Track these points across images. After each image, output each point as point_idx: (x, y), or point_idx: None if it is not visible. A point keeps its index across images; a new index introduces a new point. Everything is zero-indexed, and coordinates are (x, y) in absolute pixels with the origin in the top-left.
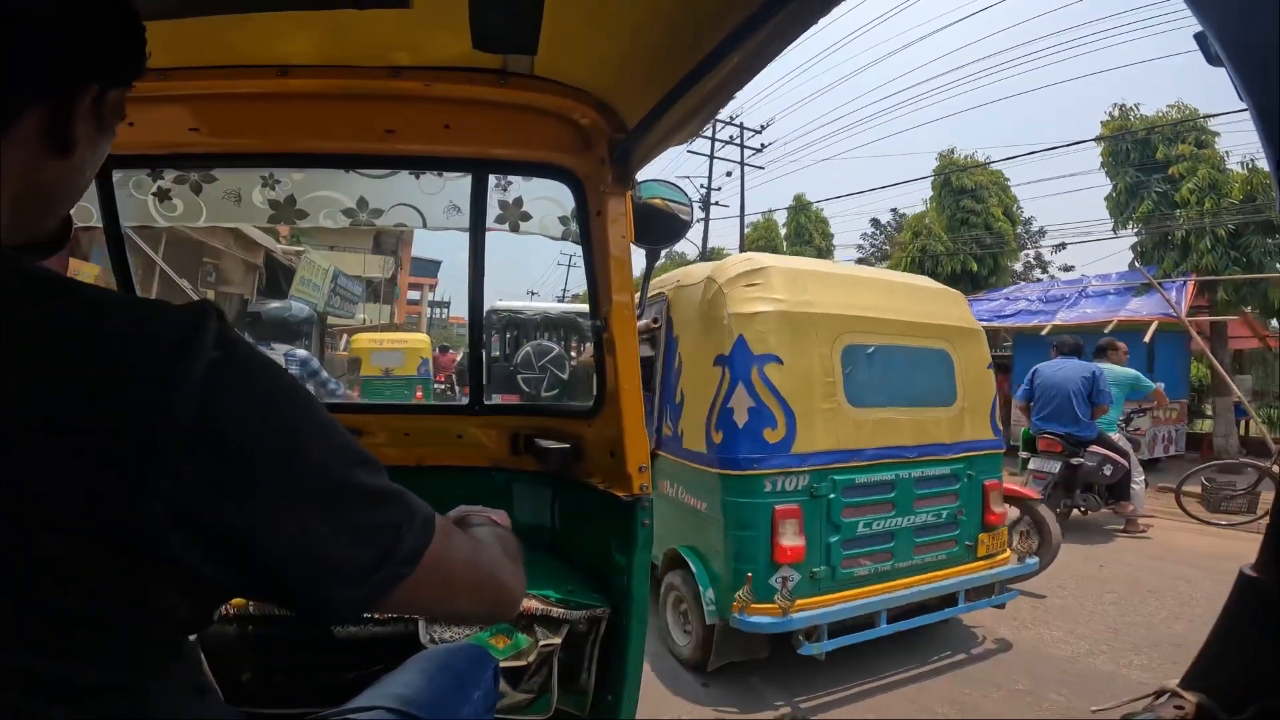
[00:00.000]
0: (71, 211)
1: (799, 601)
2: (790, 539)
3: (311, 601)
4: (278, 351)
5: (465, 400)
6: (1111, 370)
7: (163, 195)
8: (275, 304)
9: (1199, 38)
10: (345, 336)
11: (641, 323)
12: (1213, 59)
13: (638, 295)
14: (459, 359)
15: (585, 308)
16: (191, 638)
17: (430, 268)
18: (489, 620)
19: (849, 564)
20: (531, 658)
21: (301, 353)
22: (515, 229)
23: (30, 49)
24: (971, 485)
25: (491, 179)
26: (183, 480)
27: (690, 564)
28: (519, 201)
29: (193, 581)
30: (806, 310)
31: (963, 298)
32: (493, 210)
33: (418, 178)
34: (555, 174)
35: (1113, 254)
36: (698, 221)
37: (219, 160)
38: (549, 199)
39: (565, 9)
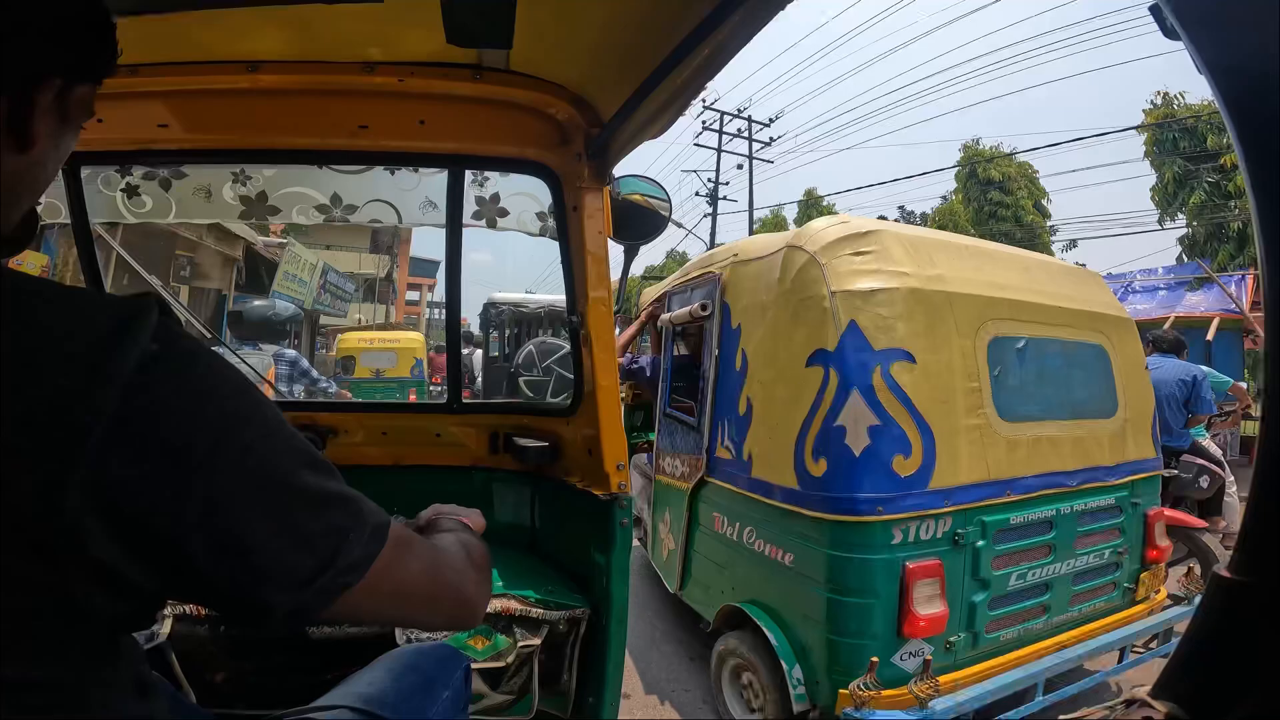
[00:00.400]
0: (38, 208)
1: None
2: (928, 605)
3: (245, 607)
4: (266, 351)
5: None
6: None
7: (131, 191)
8: (259, 302)
9: (1154, 10)
10: (339, 336)
11: (682, 310)
12: (1169, 32)
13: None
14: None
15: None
16: (152, 634)
17: (429, 268)
18: (449, 630)
19: (995, 626)
20: (511, 659)
21: (291, 352)
22: (492, 225)
23: None
24: (1135, 516)
25: (468, 175)
26: (105, 473)
27: (765, 630)
28: (496, 197)
29: (117, 579)
30: (941, 288)
31: (1102, 279)
32: (470, 206)
33: (393, 174)
34: (532, 169)
35: (1144, 248)
36: (705, 217)
37: (189, 156)
38: (526, 194)
39: (538, 3)
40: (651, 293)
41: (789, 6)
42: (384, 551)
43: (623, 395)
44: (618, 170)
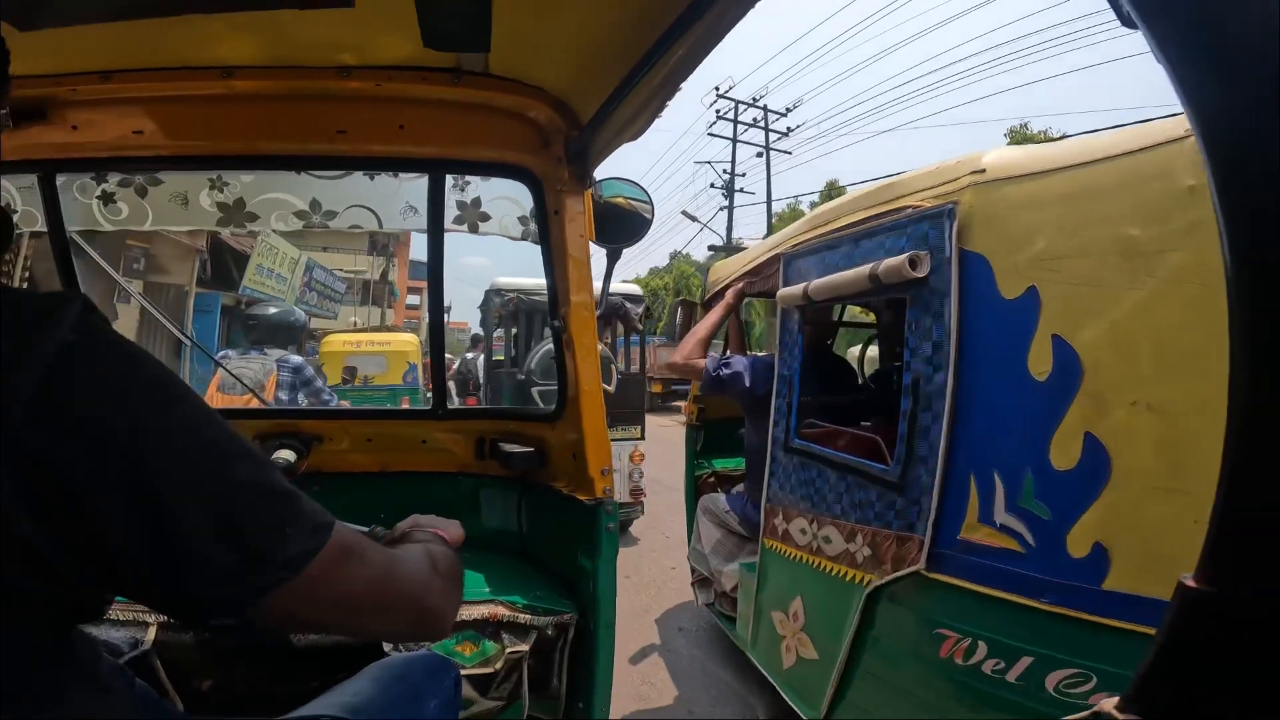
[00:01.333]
0: (14, 216)
1: None
2: None
3: (173, 599)
4: (270, 357)
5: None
6: None
7: (107, 199)
8: (275, 309)
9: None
10: (322, 339)
11: (850, 274)
12: (1126, 20)
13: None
14: (456, 366)
15: (626, 288)
16: (137, 641)
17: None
18: (411, 641)
19: None
20: (499, 665)
21: (295, 359)
22: (474, 229)
23: None
24: None
25: (449, 179)
26: (23, 454)
27: None
28: (477, 202)
29: (45, 563)
30: None
31: None
32: (451, 211)
33: (373, 179)
34: (513, 173)
35: None
36: (721, 209)
37: (165, 163)
38: (507, 199)
39: (514, 5)
40: (729, 266)
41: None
42: (323, 552)
43: (688, 413)
44: (599, 173)
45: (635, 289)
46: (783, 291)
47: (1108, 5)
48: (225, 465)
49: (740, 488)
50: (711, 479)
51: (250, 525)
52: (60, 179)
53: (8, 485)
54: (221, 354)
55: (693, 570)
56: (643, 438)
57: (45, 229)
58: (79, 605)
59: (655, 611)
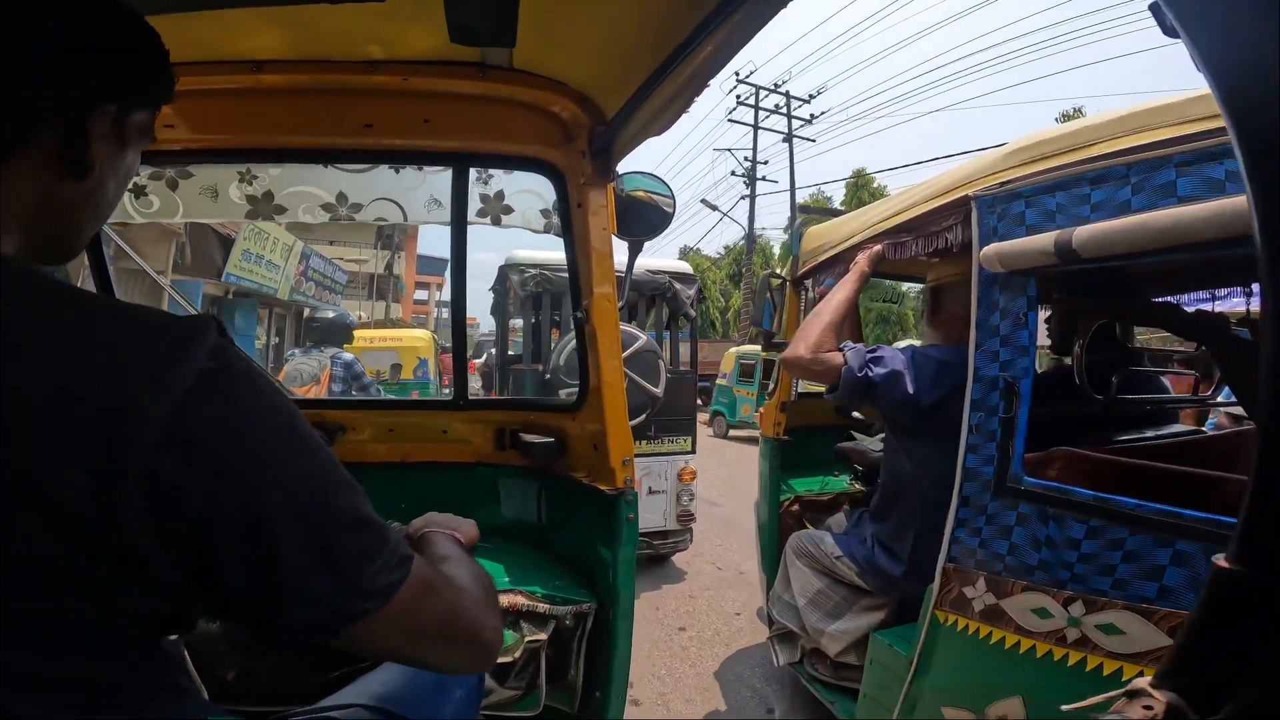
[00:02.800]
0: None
1: None
2: None
3: (265, 622)
4: (325, 354)
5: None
6: None
7: (139, 192)
8: (332, 314)
9: (1154, 8)
10: None
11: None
12: (1168, 30)
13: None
14: (483, 359)
15: (677, 265)
16: (174, 637)
17: (437, 265)
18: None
19: None
20: (518, 653)
21: (347, 355)
22: (497, 222)
23: (40, 72)
24: None
25: (472, 172)
26: (155, 479)
27: None
28: (500, 195)
29: (156, 583)
30: None
31: None
32: (474, 204)
33: (398, 172)
34: (536, 167)
35: None
36: (743, 198)
37: (195, 156)
38: (531, 192)
39: (540, 1)
40: (838, 229)
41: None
42: (406, 585)
43: (771, 421)
44: (622, 166)
45: (685, 267)
46: (996, 248)
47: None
48: (329, 496)
49: (839, 519)
50: (795, 507)
51: (346, 556)
52: None
53: (135, 504)
54: (290, 353)
55: (772, 621)
56: (693, 451)
57: None
58: (176, 619)
59: (729, 676)
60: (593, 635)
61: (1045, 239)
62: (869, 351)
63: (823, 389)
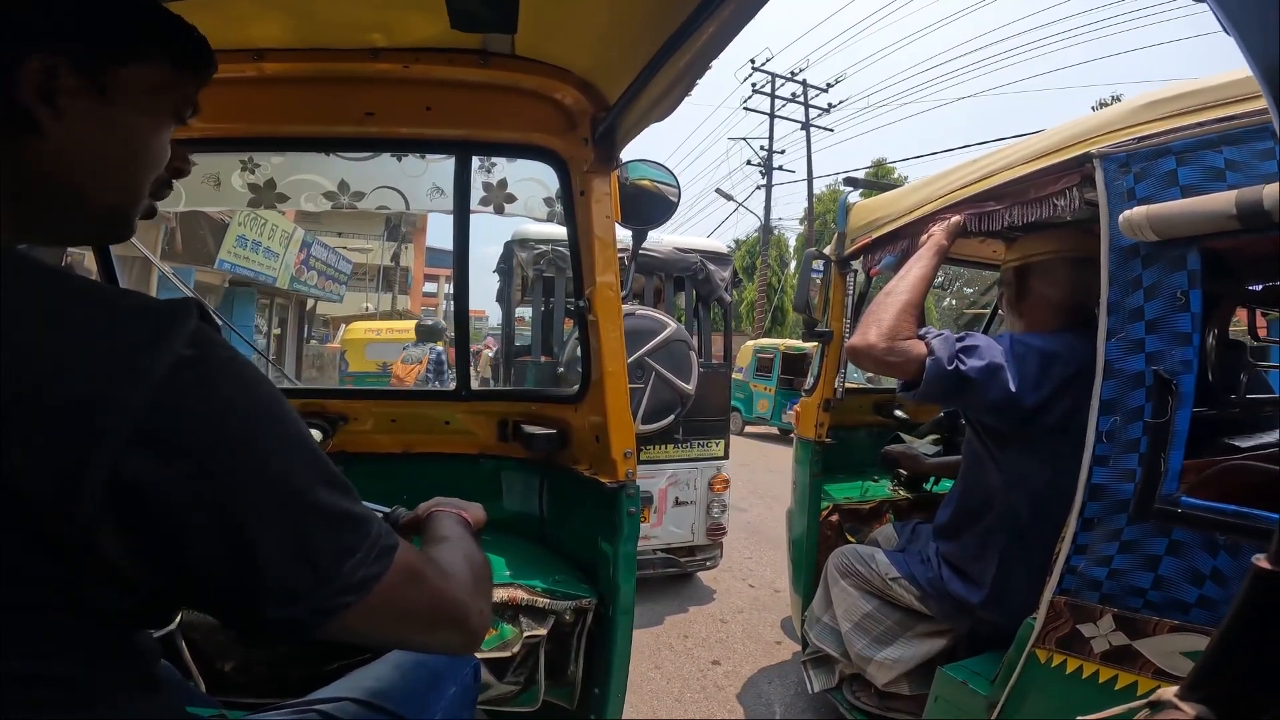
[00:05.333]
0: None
1: None
2: None
3: (242, 616)
4: (424, 348)
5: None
6: None
7: None
8: (429, 321)
9: None
10: (342, 326)
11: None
12: None
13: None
14: (494, 351)
15: (709, 244)
16: (159, 633)
17: (446, 258)
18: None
19: None
20: (517, 649)
21: (439, 349)
22: (500, 210)
23: None
24: None
25: (475, 160)
26: (124, 472)
27: None
28: (503, 183)
29: (124, 577)
30: None
31: None
32: (477, 192)
33: (400, 160)
34: (539, 155)
35: None
36: (758, 188)
37: (196, 145)
38: (534, 180)
39: None
40: (897, 200)
41: None
42: (387, 576)
43: (810, 421)
44: (628, 155)
45: (718, 245)
46: (1147, 211)
47: None
48: (312, 490)
49: (887, 533)
50: (834, 517)
51: (325, 553)
52: None
53: (100, 502)
54: (405, 345)
55: (805, 644)
56: (726, 456)
57: None
58: (151, 614)
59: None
60: (593, 631)
61: (1223, 199)
62: (958, 339)
63: (871, 384)
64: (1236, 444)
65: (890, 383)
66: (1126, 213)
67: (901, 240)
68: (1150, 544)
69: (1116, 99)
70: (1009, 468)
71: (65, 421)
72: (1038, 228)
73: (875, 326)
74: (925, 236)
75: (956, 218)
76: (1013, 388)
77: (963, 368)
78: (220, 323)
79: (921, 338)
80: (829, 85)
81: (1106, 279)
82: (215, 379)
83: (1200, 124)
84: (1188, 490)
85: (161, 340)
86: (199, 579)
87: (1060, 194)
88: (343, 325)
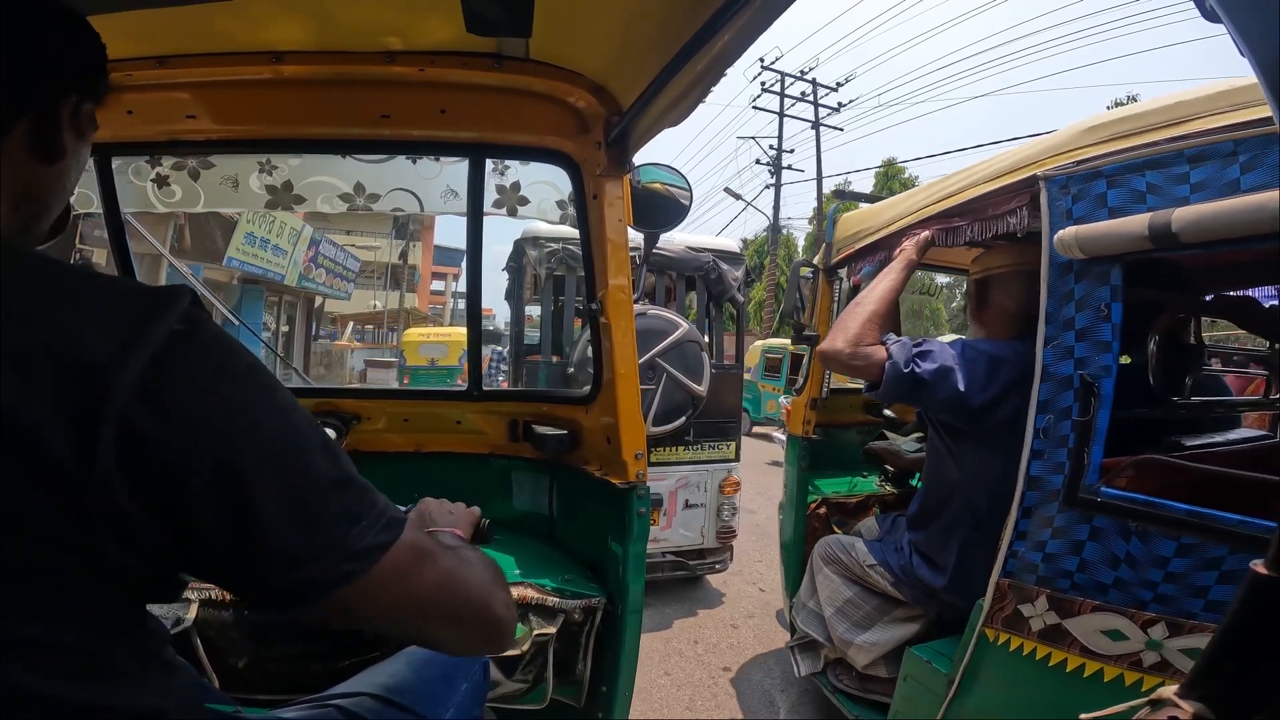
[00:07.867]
0: (71, 199)
1: None
2: None
3: (245, 583)
4: (491, 348)
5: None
6: None
7: (161, 181)
8: (492, 327)
9: None
10: (350, 324)
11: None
12: (1209, 14)
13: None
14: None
15: (722, 243)
16: (167, 615)
17: (454, 256)
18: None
19: None
20: (526, 646)
21: (499, 350)
22: (513, 213)
23: (20, 65)
24: None
25: (489, 163)
26: (130, 431)
27: None
28: (516, 186)
29: (135, 541)
30: None
31: None
32: (490, 194)
33: (414, 162)
34: (552, 158)
35: None
36: (767, 188)
37: (216, 146)
38: (546, 183)
39: None
40: (877, 214)
41: None
42: (395, 548)
43: (798, 419)
44: (639, 157)
45: (731, 244)
46: (1075, 232)
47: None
48: (307, 455)
49: (869, 525)
50: (822, 510)
51: (326, 515)
52: (115, 162)
53: (113, 459)
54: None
55: (793, 629)
56: (737, 458)
57: (99, 211)
58: (159, 584)
59: None
60: (601, 630)
61: (1137, 221)
62: (915, 345)
63: (859, 385)
64: (1183, 442)
65: None
66: (1060, 232)
67: (880, 251)
68: (1076, 530)
69: (1133, 99)
70: (964, 461)
71: (78, 381)
72: (1008, 239)
73: (842, 334)
74: (898, 251)
75: (927, 233)
76: (961, 388)
77: (918, 370)
78: (229, 317)
79: (883, 343)
80: (839, 84)
81: (1045, 291)
82: (207, 349)
83: (1131, 148)
84: (1107, 482)
85: (159, 316)
86: (203, 540)
87: (1013, 212)
88: (342, 322)
